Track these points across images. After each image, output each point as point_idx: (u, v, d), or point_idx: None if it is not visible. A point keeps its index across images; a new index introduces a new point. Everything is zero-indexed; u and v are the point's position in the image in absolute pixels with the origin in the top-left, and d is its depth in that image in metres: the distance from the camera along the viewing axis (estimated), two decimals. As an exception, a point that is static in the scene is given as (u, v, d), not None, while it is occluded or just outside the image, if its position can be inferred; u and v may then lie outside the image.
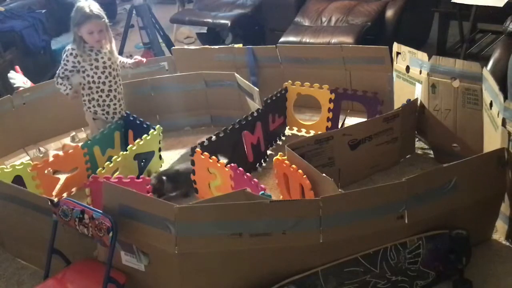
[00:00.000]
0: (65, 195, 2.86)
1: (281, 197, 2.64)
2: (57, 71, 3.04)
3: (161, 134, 3.02)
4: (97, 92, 3.04)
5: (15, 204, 2.28)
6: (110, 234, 1.91)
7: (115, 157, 2.73)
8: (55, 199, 2.17)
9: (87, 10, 2.95)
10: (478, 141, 2.53)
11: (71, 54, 2.99)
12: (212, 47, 3.79)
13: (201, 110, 3.58)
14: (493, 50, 3.34)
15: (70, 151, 2.89)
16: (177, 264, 1.94)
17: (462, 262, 2.04)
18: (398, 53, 2.98)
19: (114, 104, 3.10)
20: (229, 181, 2.49)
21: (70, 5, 5.92)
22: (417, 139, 3.06)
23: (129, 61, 3.25)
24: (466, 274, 2.07)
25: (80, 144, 2.94)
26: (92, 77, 3.01)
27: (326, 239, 1.91)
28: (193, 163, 2.68)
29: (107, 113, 3.09)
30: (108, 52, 3.06)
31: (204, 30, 5.23)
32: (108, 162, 2.71)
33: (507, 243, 2.28)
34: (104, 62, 3.02)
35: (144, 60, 3.31)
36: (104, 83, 3.04)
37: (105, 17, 3.02)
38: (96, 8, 2.98)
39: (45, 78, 3.67)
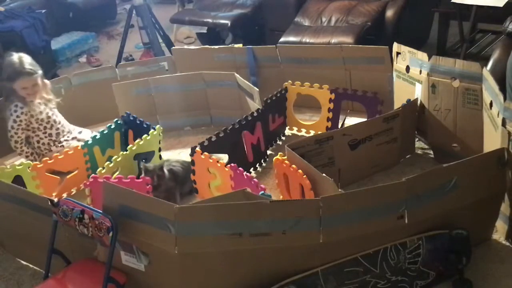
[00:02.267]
0: (65, 195, 2.86)
1: (281, 197, 2.64)
2: (11, 134, 3.03)
3: (161, 134, 3.02)
4: (45, 137, 3.11)
5: (15, 204, 2.28)
6: (110, 234, 1.91)
7: (115, 157, 2.73)
8: (55, 199, 2.16)
9: (18, 66, 2.96)
10: (478, 141, 2.53)
11: (22, 113, 2.99)
12: (212, 47, 3.78)
13: (201, 110, 3.58)
14: (493, 50, 3.34)
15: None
16: (177, 264, 1.94)
17: (462, 262, 2.04)
18: (398, 53, 2.98)
19: (67, 134, 3.17)
20: (229, 181, 2.49)
21: (70, 5, 5.98)
22: (417, 139, 3.06)
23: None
24: (466, 274, 2.07)
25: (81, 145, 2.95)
26: (38, 128, 3.08)
27: (326, 239, 1.91)
28: (193, 163, 2.68)
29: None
30: (46, 100, 3.12)
31: (204, 30, 5.23)
32: (108, 162, 2.71)
33: (507, 243, 2.28)
34: (47, 113, 3.09)
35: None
36: (51, 132, 3.12)
37: (38, 70, 3.04)
38: (28, 63, 2.99)
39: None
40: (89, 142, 2.94)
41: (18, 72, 2.96)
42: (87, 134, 3.27)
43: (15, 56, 3.02)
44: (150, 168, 2.68)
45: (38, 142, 3.12)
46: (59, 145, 3.14)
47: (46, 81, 3.17)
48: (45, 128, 3.10)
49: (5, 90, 3.03)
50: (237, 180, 2.46)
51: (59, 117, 3.20)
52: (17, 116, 3.00)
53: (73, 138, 3.20)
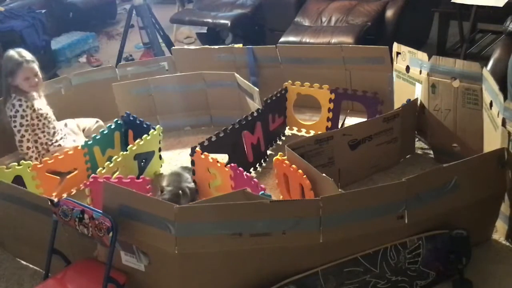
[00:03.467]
0: (65, 195, 2.86)
1: (281, 197, 2.64)
2: (22, 133, 2.99)
3: (161, 134, 3.02)
4: (44, 136, 3.10)
5: (15, 204, 2.28)
6: (110, 234, 1.91)
7: (115, 157, 2.73)
8: (55, 199, 2.16)
9: (18, 57, 2.98)
10: (478, 141, 2.53)
11: (27, 106, 2.98)
12: (212, 47, 3.79)
13: (201, 110, 3.58)
14: (493, 50, 3.34)
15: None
16: (177, 264, 1.94)
17: (462, 262, 2.05)
18: (398, 53, 2.98)
19: (60, 137, 3.16)
20: (229, 181, 2.49)
21: (70, 5, 5.98)
22: (417, 139, 3.06)
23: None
24: (466, 274, 2.07)
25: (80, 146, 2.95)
26: (37, 125, 3.06)
27: (326, 239, 1.91)
28: (193, 163, 2.68)
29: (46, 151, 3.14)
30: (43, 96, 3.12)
31: (204, 30, 5.24)
32: (108, 162, 2.71)
33: (507, 243, 2.28)
34: (45, 109, 3.07)
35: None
36: (48, 127, 3.10)
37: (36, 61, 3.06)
38: (26, 54, 3.02)
39: (45, 78, 3.66)
40: (89, 142, 2.94)
41: (20, 63, 2.96)
42: (72, 124, 3.28)
43: (12, 51, 3.03)
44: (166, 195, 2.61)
45: (36, 141, 3.10)
46: (56, 144, 3.13)
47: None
48: (43, 125, 3.09)
49: (5, 89, 3.02)
50: (237, 180, 2.46)
51: (51, 113, 3.18)
52: (23, 110, 2.96)
53: (66, 134, 3.19)
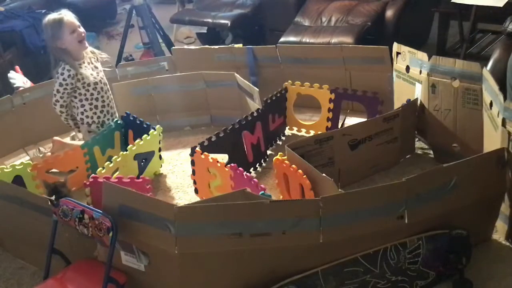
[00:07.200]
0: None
1: (281, 197, 2.64)
2: (56, 98, 2.97)
3: (161, 134, 3.02)
4: (90, 109, 3.02)
5: (15, 204, 2.28)
6: (110, 234, 1.91)
7: (115, 157, 2.73)
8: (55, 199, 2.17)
9: (57, 15, 2.90)
10: (478, 141, 2.53)
11: (69, 76, 2.93)
12: (212, 47, 3.79)
13: (201, 110, 3.58)
14: (493, 50, 3.34)
15: (65, 150, 2.88)
16: (177, 264, 1.94)
17: (462, 262, 2.04)
18: (398, 53, 2.98)
19: (108, 119, 3.08)
20: (229, 181, 2.49)
21: (70, 5, 5.97)
22: (417, 139, 3.06)
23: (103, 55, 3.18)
24: (466, 274, 2.07)
25: (80, 144, 2.95)
26: (85, 94, 2.99)
27: (326, 239, 1.91)
28: (193, 163, 2.68)
29: (102, 126, 3.07)
30: (94, 66, 3.03)
31: (204, 30, 5.24)
32: (108, 162, 2.71)
33: (507, 243, 2.28)
34: (94, 78, 2.99)
35: None
36: (97, 99, 3.02)
37: None
38: (63, 11, 2.93)
39: (45, 78, 3.66)
40: (89, 142, 2.94)
41: (60, 20, 2.87)
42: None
43: (49, 15, 2.94)
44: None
45: (82, 113, 3.04)
46: (96, 123, 3.06)
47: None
48: (91, 95, 3.00)
49: (54, 55, 2.95)
50: (237, 180, 2.46)
51: (106, 90, 3.09)
52: (64, 79, 2.91)
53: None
